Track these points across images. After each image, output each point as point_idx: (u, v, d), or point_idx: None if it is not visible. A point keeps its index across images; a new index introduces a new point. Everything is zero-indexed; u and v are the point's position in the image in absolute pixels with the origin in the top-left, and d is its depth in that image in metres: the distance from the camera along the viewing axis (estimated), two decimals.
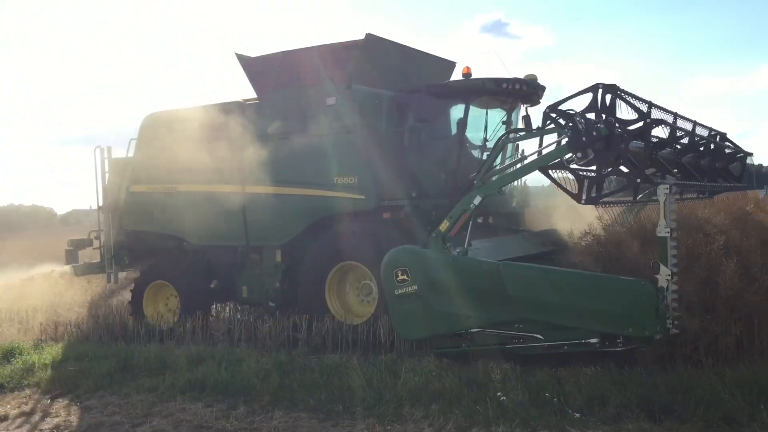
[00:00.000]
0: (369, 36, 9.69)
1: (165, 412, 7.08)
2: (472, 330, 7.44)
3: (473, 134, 10.15)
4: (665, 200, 6.72)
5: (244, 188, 10.53)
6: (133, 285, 11.94)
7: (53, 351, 9.92)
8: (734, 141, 10.68)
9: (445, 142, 10.09)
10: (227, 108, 10.80)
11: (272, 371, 7.79)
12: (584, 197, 7.45)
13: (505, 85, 9.56)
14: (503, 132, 10.16)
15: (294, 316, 9.52)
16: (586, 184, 7.44)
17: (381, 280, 8.68)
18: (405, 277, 7.61)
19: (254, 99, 10.85)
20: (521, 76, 9.73)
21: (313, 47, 10.14)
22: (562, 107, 7.40)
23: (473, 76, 9.70)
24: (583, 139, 7.14)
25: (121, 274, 12.86)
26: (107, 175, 12.34)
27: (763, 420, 5.54)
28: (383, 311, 8.66)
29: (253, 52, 10.87)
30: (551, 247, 9.59)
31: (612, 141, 7.08)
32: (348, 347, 8.92)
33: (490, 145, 10.18)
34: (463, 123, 9.82)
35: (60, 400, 7.83)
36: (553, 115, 7.43)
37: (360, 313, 9.51)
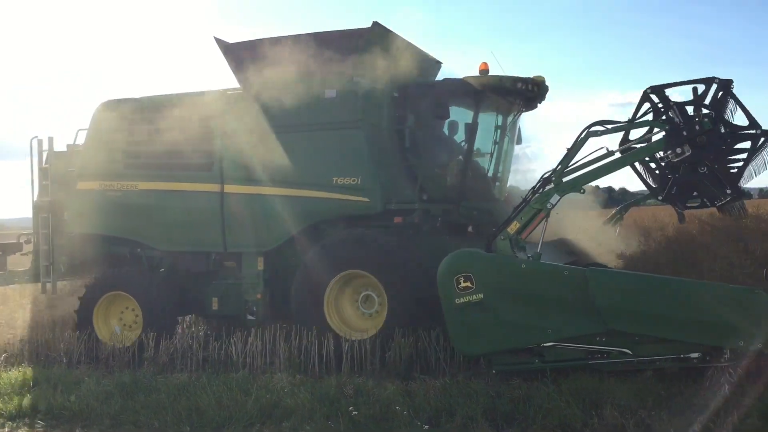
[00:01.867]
0: (376, 25, 9.20)
1: None
2: (545, 344, 6.76)
3: (480, 136, 9.62)
4: None
5: (222, 187, 9.52)
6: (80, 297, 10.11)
7: None
8: None
9: (455, 142, 9.66)
10: (204, 98, 9.70)
11: (114, 393, 7.37)
12: (664, 194, 7.22)
13: (520, 85, 9.17)
14: (498, 136, 9.92)
15: (279, 329, 8.56)
16: (670, 181, 7.13)
17: (387, 289, 8.27)
18: (468, 284, 6.79)
19: (236, 89, 9.92)
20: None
21: (310, 34, 9.43)
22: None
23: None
24: (684, 133, 6.75)
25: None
26: (47, 169, 10.61)
27: (594, 426, 5.92)
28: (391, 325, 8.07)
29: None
30: (574, 257, 9.15)
31: (713, 138, 6.70)
32: (198, 366, 8.58)
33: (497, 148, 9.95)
34: (474, 122, 9.36)
35: None
36: (653, 97, 7.07)
37: (360, 327, 8.60)
